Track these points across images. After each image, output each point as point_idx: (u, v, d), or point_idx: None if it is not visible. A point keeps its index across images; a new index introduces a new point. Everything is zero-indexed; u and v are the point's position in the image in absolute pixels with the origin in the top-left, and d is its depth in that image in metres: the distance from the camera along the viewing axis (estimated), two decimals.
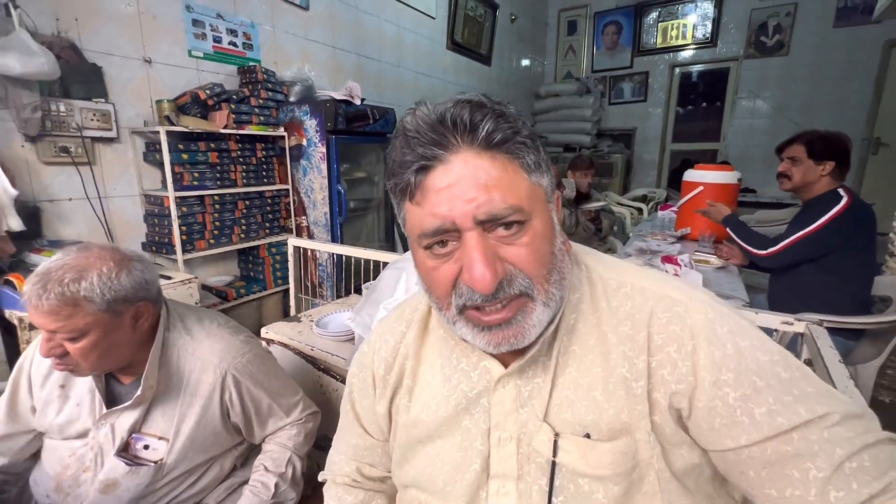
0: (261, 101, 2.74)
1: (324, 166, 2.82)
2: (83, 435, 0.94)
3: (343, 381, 1.35)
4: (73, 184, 2.19)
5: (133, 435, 0.93)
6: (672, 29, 5.86)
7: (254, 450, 1.14)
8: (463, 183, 0.47)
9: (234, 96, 2.63)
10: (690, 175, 2.78)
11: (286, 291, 2.84)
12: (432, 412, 0.61)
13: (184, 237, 2.41)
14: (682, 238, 2.78)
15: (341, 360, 1.42)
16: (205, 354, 0.97)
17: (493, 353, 0.55)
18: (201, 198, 2.49)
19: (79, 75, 2.14)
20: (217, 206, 2.58)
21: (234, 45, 2.83)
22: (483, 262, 0.47)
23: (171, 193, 2.32)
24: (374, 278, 2.15)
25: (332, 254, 2.72)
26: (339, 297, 2.78)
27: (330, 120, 2.70)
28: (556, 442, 0.52)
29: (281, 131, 2.83)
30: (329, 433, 1.43)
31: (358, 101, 2.90)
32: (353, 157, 3.23)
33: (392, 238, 3.61)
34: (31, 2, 1.98)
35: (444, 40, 4.73)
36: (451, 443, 0.59)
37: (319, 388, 1.40)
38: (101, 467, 0.91)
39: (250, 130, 2.64)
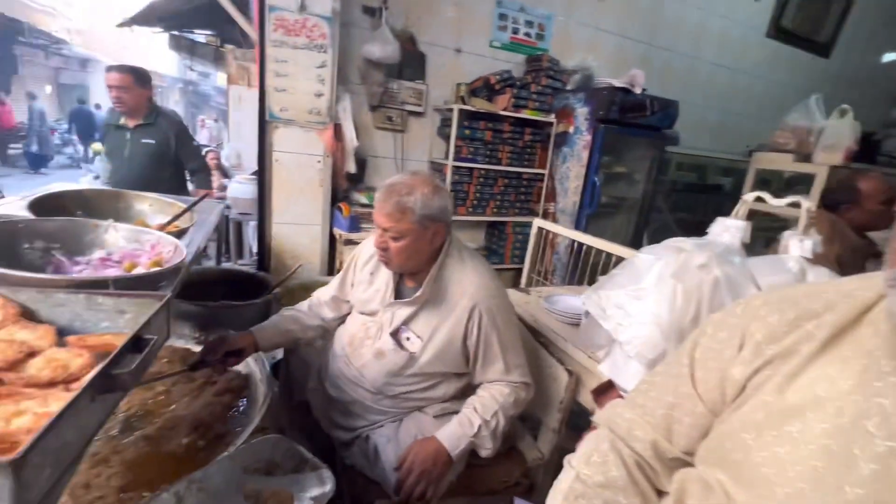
0: (540, 88, 2.88)
1: (585, 155, 2.77)
2: (372, 314, 1.25)
3: (559, 361, 1.32)
4: (388, 146, 2.83)
5: (402, 325, 1.18)
6: None
7: (471, 390, 1.25)
8: None
9: (518, 82, 2.84)
10: None
11: (518, 270, 2.97)
12: (823, 413, 0.49)
13: None
14: None
15: (562, 340, 1.38)
16: (466, 283, 1.14)
17: None
18: (471, 170, 2.83)
19: (411, 61, 2.71)
20: (481, 180, 2.89)
21: (528, 35, 3.04)
22: None
23: (450, 163, 2.72)
24: None
25: (573, 242, 2.67)
26: (568, 285, 2.72)
27: (603, 108, 2.61)
28: None
29: (551, 118, 2.91)
30: (533, 407, 1.43)
31: (639, 90, 2.70)
32: (618, 151, 3.05)
33: (639, 245, 3.28)
34: (392, 4, 2.61)
35: (763, 27, 3.89)
36: (829, 462, 0.46)
37: (535, 360, 1.40)
38: (378, 339, 1.19)
39: (525, 115, 2.82)
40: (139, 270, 0.81)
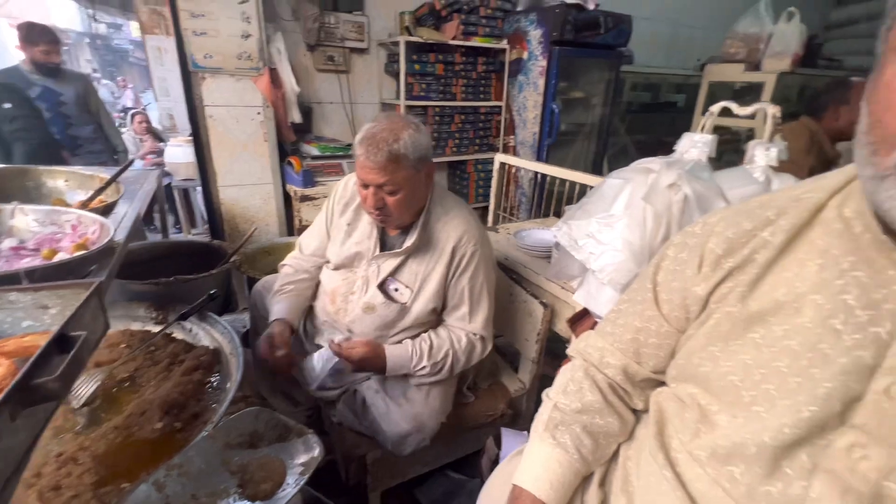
0: (489, 11, 2.69)
1: (541, 82, 2.66)
2: (353, 268, 1.17)
3: (533, 294, 1.32)
4: (333, 90, 2.61)
5: (389, 277, 1.12)
6: None
7: None
8: None
9: (466, 6, 2.63)
10: None
11: (485, 209, 2.94)
12: (783, 315, 0.49)
13: None
14: None
15: (533, 274, 1.38)
16: (452, 228, 1.09)
17: None
18: (425, 108, 2.68)
19: None
20: (437, 118, 2.75)
21: None
22: None
23: (402, 102, 2.55)
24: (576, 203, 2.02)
25: (536, 175, 2.64)
26: (533, 219, 2.73)
27: (556, 28, 2.48)
28: None
29: (504, 44, 2.75)
30: (512, 341, 1.46)
31: (591, 6, 2.57)
32: (574, 75, 2.95)
33: (600, 171, 3.30)
34: None
35: None
36: (793, 360, 0.47)
37: (509, 296, 1.41)
38: (365, 293, 1.13)
39: (475, 42, 2.65)
40: (61, 256, 0.71)
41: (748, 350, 0.51)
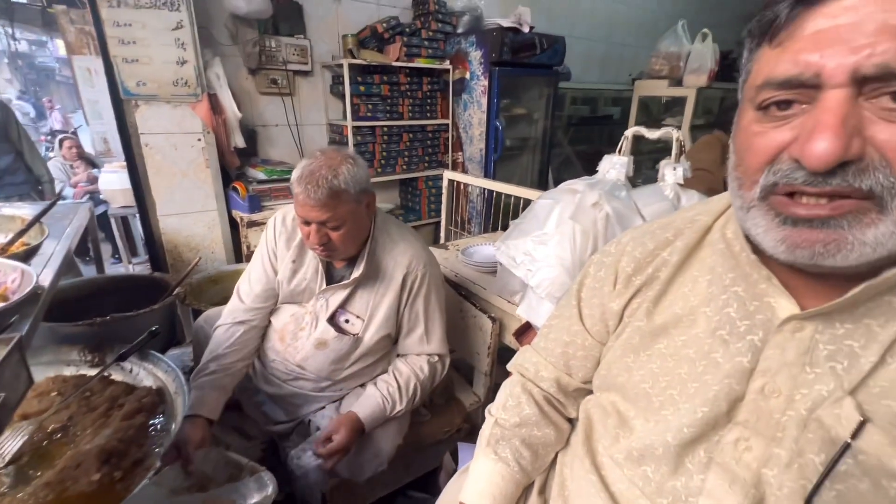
0: (430, 33, 2.77)
1: (484, 101, 2.77)
2: (302, 303, 1.16)
3: (482, 310, 1.37)
4: (279, 112, 2.59)
5: (338, 309, 1.12)
6: None
7: None
8: (858, 25, 0.36)
9: (407, 29, 2.70)
10: None
11: (438, 224, 2.99)
12: (682, 327, 0.55)
13: None
14: None
15: (482, 290, 1.43)
16: (399, 255, 1.10)
17: (787, 281, 0.47)
18: (373, 128, 2.71)
19: (285, 13, 2.43)
20: (385, 138, 2.78)
21: None
22: (833, 129, 0.37)
23: (350, 123, 2.57)
24: None
25: (484, 190, 2.72)
26: (485, 233, 2.81)
27: (495, 50, 2.59)
28: (861, 425, 0.42)
29: (447, 64, 2.84)
30: (465, 356, 1.49)
31: (526, 29, 2.71)
32: (515, 93, 3.09)
33: (545, 182, 3.45)
34: None
35: None
36: (690, 367, 0.53)
37: (459, 312, 1.45)
38: (315, 329, 1.12)
39: (419, 63, 2.71)
40: None
41: (655, 360, 0.56)
